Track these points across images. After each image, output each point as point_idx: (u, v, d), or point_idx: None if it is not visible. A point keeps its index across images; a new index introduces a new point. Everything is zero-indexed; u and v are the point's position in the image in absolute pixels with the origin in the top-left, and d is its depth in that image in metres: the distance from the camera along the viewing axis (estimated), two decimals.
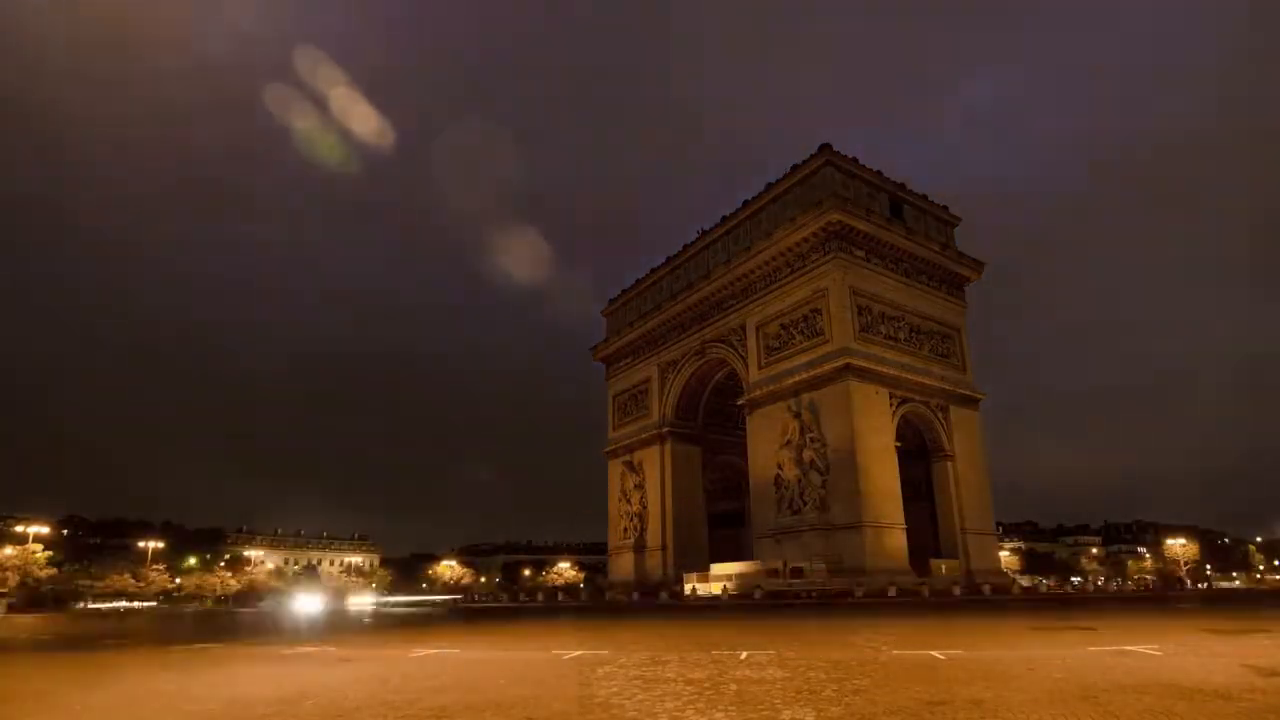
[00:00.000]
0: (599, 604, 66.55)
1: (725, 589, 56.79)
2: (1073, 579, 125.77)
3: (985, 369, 75.30)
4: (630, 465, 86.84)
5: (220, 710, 8.76)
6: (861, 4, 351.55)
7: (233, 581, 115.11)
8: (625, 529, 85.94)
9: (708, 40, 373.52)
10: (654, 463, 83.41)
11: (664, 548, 79.42)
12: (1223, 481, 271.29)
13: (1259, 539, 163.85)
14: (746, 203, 74.43)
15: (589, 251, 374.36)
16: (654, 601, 60.40)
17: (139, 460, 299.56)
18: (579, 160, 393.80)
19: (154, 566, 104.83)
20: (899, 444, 61.98)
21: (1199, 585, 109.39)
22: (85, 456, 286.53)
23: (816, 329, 63.34)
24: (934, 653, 13.20)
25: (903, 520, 58.97)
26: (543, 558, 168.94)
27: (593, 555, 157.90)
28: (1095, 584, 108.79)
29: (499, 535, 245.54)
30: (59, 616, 57.69)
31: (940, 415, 65.61)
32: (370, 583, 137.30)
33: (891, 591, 48.88)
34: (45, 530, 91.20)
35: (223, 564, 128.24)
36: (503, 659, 15.00)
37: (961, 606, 38.36)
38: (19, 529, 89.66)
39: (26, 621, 46.31)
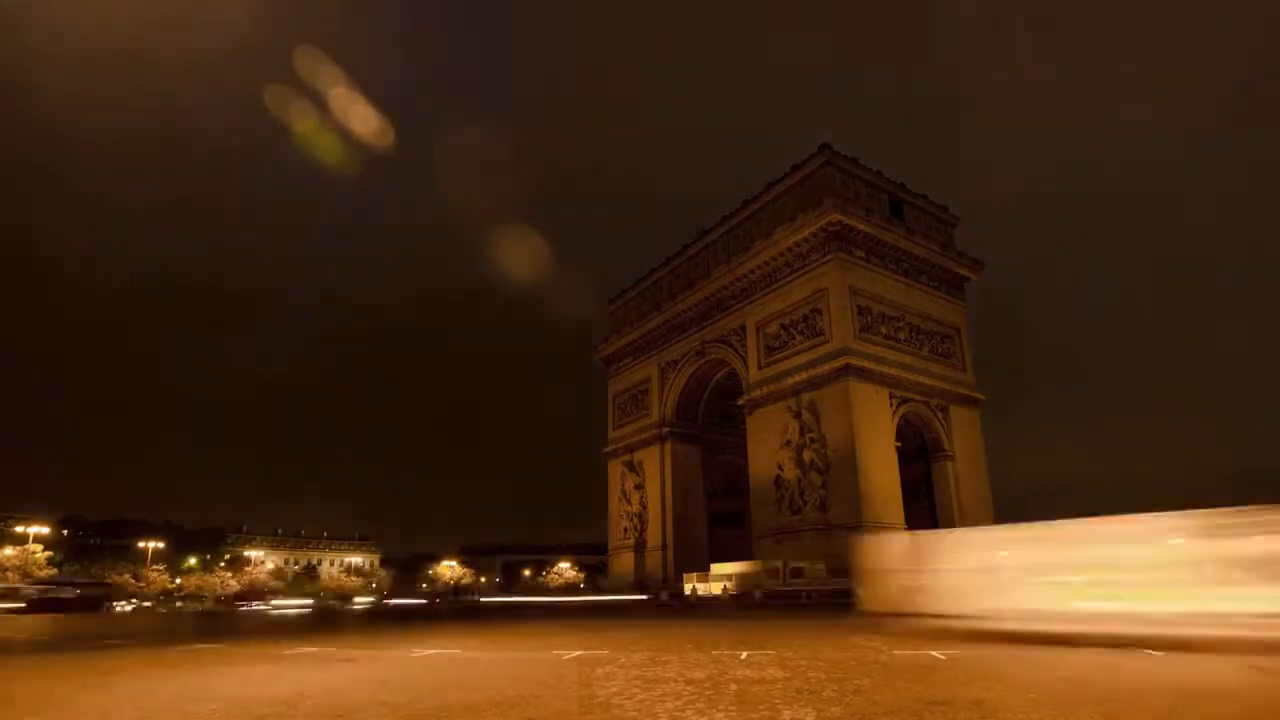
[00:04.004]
0: (599, 604, 66.51)
1: (725, 589, 56.76)
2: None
3: (986, 366, 75.32)
4: (630, 465, 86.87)
5: (221, 710, 8.75)
6: None
7: (233, 582, 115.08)
8: (625, 529, 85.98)
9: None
10: (654, 463, 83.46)
11: (664, 547, 79.46)
12: (1223, 481, 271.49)
13: None
14: (746, 202, 74.51)
15: (591, 248, 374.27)
16: (654, 601, 60.43)
17: (139, 460, 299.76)
18: (581, 158, 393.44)
19: (154, 566, 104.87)
20: (899, 444, 62.07)
21: None
22: (85, 456, 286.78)
23: (816, 329, 63.40)
24: (934, 653, 13.19)
25: (903, 520, 59.01)
26: (543, 558, 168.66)
27: (593, 555, 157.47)
28: None
29: (499, 535, 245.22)
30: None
31: (940, 415, 65.69)
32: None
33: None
34: (45, 530, 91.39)
35: (223, 564, 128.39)
36: (503, 659, 14.99)
37: None
38: (19, 529, 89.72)
39: (26, 621, 46.29)
